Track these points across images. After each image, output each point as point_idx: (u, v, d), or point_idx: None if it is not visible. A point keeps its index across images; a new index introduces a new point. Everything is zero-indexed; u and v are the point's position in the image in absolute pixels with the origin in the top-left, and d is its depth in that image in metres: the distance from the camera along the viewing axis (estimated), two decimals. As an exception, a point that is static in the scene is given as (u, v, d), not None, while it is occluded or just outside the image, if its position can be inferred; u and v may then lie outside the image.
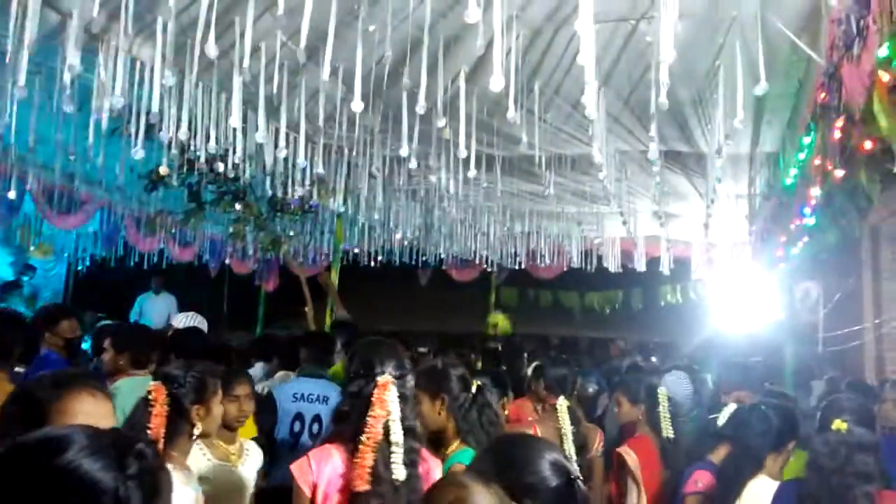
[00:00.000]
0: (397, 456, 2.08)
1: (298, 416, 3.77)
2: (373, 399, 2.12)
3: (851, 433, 2.31)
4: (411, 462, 2.12)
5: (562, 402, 3.33)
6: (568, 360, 4.12)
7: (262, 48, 3.39)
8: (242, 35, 2.96)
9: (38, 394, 1.54)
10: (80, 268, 10.13)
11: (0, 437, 1.42)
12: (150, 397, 2.18)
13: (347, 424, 2.18)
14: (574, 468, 1.55)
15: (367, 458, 2.06)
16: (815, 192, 3.43)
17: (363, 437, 2.07)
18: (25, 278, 9.34)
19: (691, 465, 2.98)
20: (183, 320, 5.19)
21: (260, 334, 8.93)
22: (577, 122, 4.52)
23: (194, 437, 2.33)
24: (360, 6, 2.77)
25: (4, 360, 3.15)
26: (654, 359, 7.82)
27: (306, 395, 3.85)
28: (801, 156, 3.52)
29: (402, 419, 2.13)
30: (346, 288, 6.61)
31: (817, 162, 3.16)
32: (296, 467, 2.16)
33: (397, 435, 2.10)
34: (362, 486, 2.04)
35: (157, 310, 9.00)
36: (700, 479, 2.86)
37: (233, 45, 3.10)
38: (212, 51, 2.74)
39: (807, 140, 3.34)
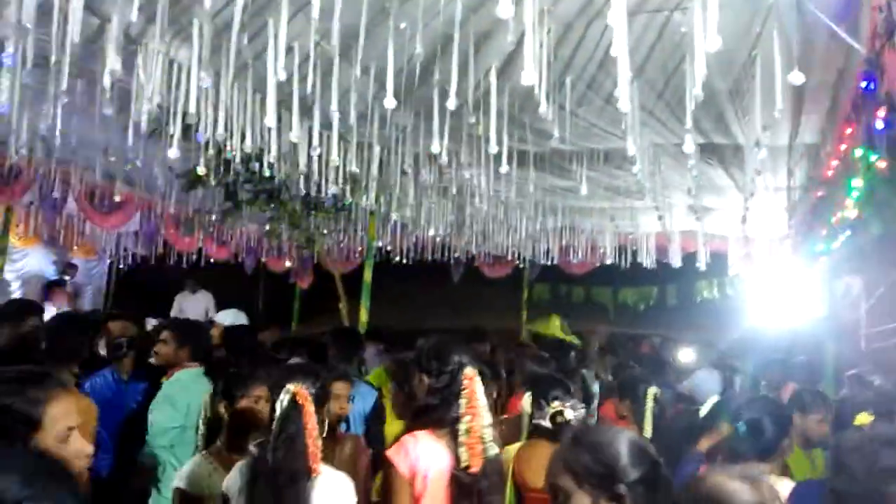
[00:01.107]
0: (489, 437, 2.33)
1: None
2: (466, 391, 2.34)
3: (875, 428, 2.24)
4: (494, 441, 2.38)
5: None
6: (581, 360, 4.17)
7: (295, 48, 3.43)
8: (276, 36, 3.00)
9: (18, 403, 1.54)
10: (121, 266, 10.38)
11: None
12: (297, 399, 2.21)
13: (437, 414, 2.36)
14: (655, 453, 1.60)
15: (478, 441, 2.29)
16: (858, 183, 3.34)
17: (468, 425, 2.29)
18: (67, 277, 9.60)
19: (685, 463, 2.93)
20: (226, 318, 5.32)
21: (294, 330, 9.07)
22: (610, 116, 4.48)
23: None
24: (391, 4, 2.78)
25: (70, 362, 3.35)
26: (681, 357, 7.69)
27: None
28: (842, 147, 3.43)
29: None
30: (379, 285, 6.65)
31: (859, 153, 3.08)
32: (393, 452, 2.31)
33: (488, 418, 2.35)
34: (478, 465, 2.27)
35: (195, 307, 9.19)
36: None
37: (266, 46, 3.14)
38: (246, 53, 2.79)
39: (848, 130, 3.26)
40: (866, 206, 3.55)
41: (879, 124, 2.63)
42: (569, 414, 2.86)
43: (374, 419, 3.78)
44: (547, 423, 2.88)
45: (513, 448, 2.96)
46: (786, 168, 5.42)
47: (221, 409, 2.80)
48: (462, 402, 2.33)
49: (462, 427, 2.30)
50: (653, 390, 3.54)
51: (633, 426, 3.51)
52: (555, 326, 9.67)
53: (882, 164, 2.84)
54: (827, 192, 4.18)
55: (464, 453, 2.28)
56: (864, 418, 2.31)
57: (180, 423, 3.31)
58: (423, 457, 2.28)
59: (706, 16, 2.19)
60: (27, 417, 1.53)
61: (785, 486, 2.55)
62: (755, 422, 2.64)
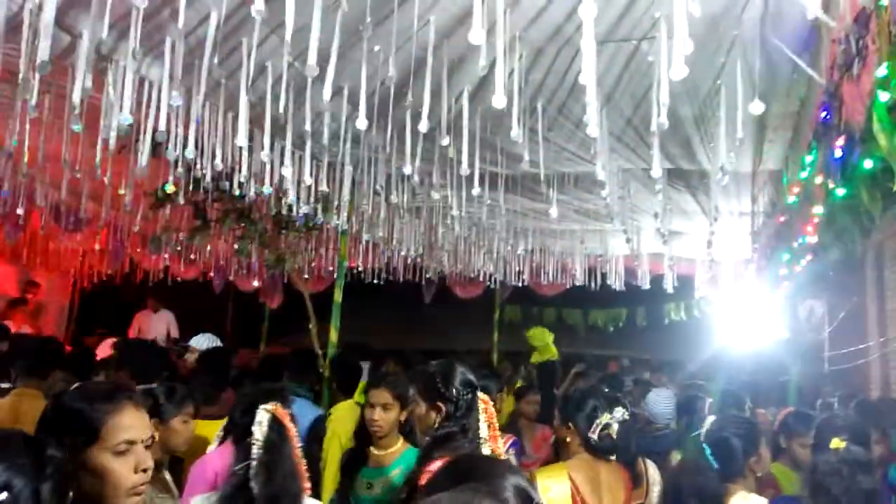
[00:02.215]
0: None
1: None
2: (484, 416, 2.30)
3: (849, 451, 2.31)
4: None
5: None
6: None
7: (268, 68, 3.43)
8: (249, 55, 3.01)
9: (93, 409, 1.56)
10: (85, 285, 10.17)
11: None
12: (278, 419, 2.17)
13: (457, 443, 2.25)
14: (537, 495, 1.51)
15: None
16: (818, 210, 3.44)
17: (492, 448, 2.25)
18: (30, 296, 9.37)
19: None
20: (202, 342, 5.25)
21: (262, 351, 8.95)
22: (580, 141, 4.56)
23: None
24: (364, 27, 2.81)
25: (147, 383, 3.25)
26: (647, 376, 7.76)
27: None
28: (804, 174, 3.53)
29: None
30: (350, 305, 6.61)
31: (819, 180, 3.17)
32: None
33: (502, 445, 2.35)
34: None
35: (156, 327, 9.03)
36: None
37: (240, 66, 3.14)
38: (219, 73, 2.78)
39: (809, 158, 3.36)
40: (826, 233, 3.64)
41: (838, 153, 2.71)
42: (615, 427, 2.78)
43: (312, 440, 3.64)
44: (595, 437, 2.75)
45: (554, 469, 2.79)
46: (750, 194, 5.55)
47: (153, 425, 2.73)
48: (483, 426, 2.29)
49: (486, 452, 2.25)
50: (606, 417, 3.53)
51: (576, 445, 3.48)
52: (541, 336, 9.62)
53: (841, 192, 2.93)
54: (789, 218, 4.29)
55: None
56: (837, 443, 2.38)
57: None
58: None
59: (672, 45, 2.25)
60: (86, 426, 1.53)
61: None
62: (721, 441, 2.67)
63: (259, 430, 2.13)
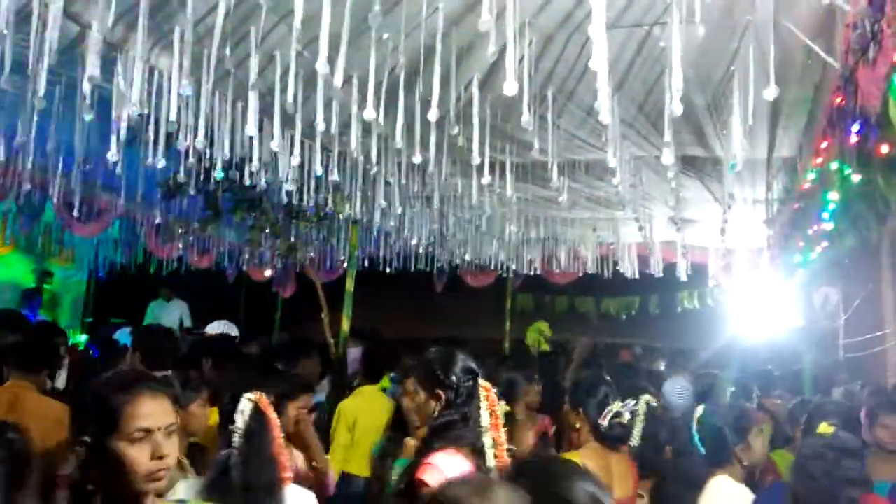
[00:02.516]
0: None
1: None
2: (486, 404, 2.24)
3: (837, 437, 2.30)
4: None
5: (501, 407, 3.33)
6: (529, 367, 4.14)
7: (277, 57, 3.42)
8: (258, 44, 3.00)
9: (111, 397, 1.59)
10: (100, 275, 10.26)
11: (76, 438, 1.54)
12: (260, 408, 2.18)
13: (457, 432, 2.22)
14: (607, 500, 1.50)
15: (504, 453, 2.19)
16: (833, 196, 3.40)
17: (495, 440, 2.19)
18: (47, 286, 9.48)
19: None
20: (216, 328, 5.29)
21: (277, 340, 9.00)
22: (591, 128, 4.52)
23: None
24: (373, 15, 2.79)
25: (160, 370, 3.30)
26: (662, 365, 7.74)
27: None
28: (819, 160, 3.49)
29: None
30: (362, 294, 6.62)
31: (834, 166, 3.13)
32: (427, 476, 2.14)
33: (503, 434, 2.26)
34: None
35: (170, 316, 9.11)
36: None
37: (249, 55, 3.14)
38: (228, 62, 2.78)
39: (823, 144, 3.31)
40: (842, 219, 3.60)
41: (853, 139, 2.67)
42: (626, 416, 2.79)
43: None
44: (605, 424, 2.75)
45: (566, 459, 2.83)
46: (764, 181, 5.49)
47: None
48: (484, 415, 2.23)
49: (487, 443, 2.20)
50: (646, 397, 3.52)
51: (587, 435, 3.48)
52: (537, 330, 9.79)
53: (856, 178, 2.89)
54: (804, 205, 4.24)
55: (494, 469, 2.16)
56: (825, 428, 2.38)
57: None
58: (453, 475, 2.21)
59: (684, 30, 2.22)
60: (105, 415, 1.55)
61: (740, 492, 2.60)
62: (709, 428, 2.72)
63: (241, 418, 2.14)
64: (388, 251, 8.89)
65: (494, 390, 2.30)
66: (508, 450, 2.22)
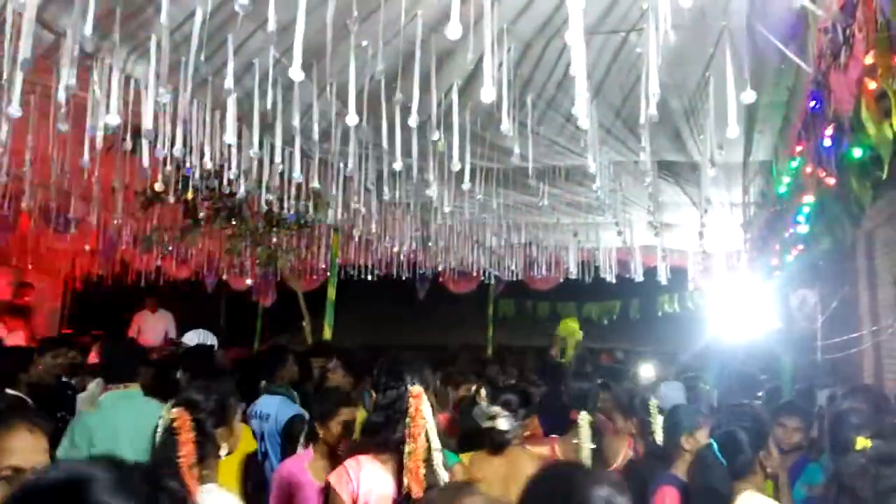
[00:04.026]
0: (438, 461, 2.19)
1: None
2: (410, 410, 2.21)
3: (876, 449, 2.24)
4: (445, 466, 2.24)
5: (583, 417, 3.30)
6: (590, 375, 4.08)
7: (255, 64, 3.41)
8: (236, 52, 2.98)
9: None
10: (76, 286, 10.12)
11: None
12: (174, 425, 2.14)
13: (382, 435, 2.25)
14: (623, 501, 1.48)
15: (420, 465, 2.16)
16: (808, 199, 3.44)
17: (412, 447, 2.17)
18: (28, 298, 9.32)
19: (656, 479, 2.92)
20: (193, 338, 5.22)
21: (258, 349, 8.93)
22: (570, 134, 4.55)
23: (221, 457, 2.32)
24: (352, 22, 2.79)
25: (130, 381, 3.32)
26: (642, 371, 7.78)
27: (262, 413, 3.84)
28: (794, 164, 3.54)
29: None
30: (343, 302, 6.60)
31: (809, 170, 3.18)
32: (334, 477, 2.21)
33: (436, 441, 2.22)
34: (418, 492, 2.12)
35: (155, 327, 8.99)
36: (667, 497, 2.75)
37: (226, 62, 3.12)
38: (205, 70, 2.76)
39: (798, 148, 3.36)
40: (817, 222, 3.65)
41: (827, 142, 2.71)
42: (502, 424, 2.84)
43: (286, 437, 3.61)
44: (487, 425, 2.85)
45: (465, 456, 2.88)
46: (741, 184, 5.55)
47: None
48: (406, 421, 2.22)
49: (406, 450, 2.19)
50: (655, 402, 3.54)
51: (639, 440, 3.50)
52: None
53: (830, 181, 2.93)
54: (779, 209, 4.30)
55: (406, 478, 2.16)
56: (863, 442, 2.32)
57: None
58: (365, 482, 2.18)
59: (659, 37, 2.25)
60: None
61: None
62: (729, 435, 2.54)
63: (158, 432, 2.15)
64: (369, 258, 8.86)
65: (426, 399, 2.27)
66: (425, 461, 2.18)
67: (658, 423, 3.43)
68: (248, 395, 3.93)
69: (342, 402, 3.00)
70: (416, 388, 2.27)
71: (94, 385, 4.50)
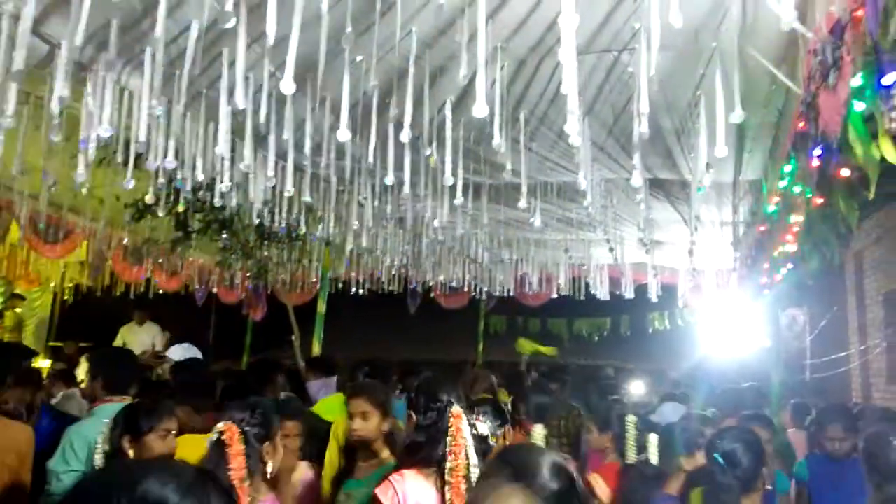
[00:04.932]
0: (475, 476, 2.29)
1: None
2: (451, 429, 2.35)
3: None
4: None
5: (538, 430, 3.38)
6: (549, 389, 4.14)
7: (250, 78, 3.42)
8: (230, 65, 2.99)
9: None
10: (66, 297, 10.04)
11: None
12: (224, 438, 2.14)
13: (424, 453, 2.38)
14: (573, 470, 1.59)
15: (461, 481, 2.28)
16: (797, 219, 3.47)
17: (453, 464, 2.29)
18: (17, 310, 9.22)
19: (653, 500, 2.95)
20: (178, 352, 5.17)
21: (246, 364, 8.88)
22: (562, 151, 4.58)
23: (268, 475, 2.32)
24: (345, 37, 2.81)
25: (120, 394, 3.28)
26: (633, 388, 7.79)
27: None
28: (783, 183, 3.57)
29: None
30: (334, 316, 6.58)
31: (797, 189, 3.21)
32: (381, 492, 2.28)
33: (474, 458, 2.34)
34: None
35: (142, 340, 8.91)
36: None
37: (220, 75, 3.13)
38: (200, 82, 2.77)
39: (787, 168, 3.39)
40: (805, 242, 3.68)
41: (815, 162, 2.74)
42: (482, 428, 2.87)
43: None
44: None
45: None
46: (731, 203, 5.60)
47: (125, 444, 2.58)
48: (448, 440, 2.34)
49: (447, 466, 2.30)
50: (632, 419, 3.55)
51: (615, 456, 3.51)
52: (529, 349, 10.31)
53: (818, 201, 2.96)
54: (769, 227, 4.33)
55: (448, 493, 2.27)
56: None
57: (76, 467, 2.90)
58: (411, 495, 2.26)
59: (651, 57, 2.27)
60: None
61: None
62: (731, 452, 2.62)
63: (208, 446, 2.15)
64: (360, 273, 8.85)
65: (465, 418, 2.40)
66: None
67: (633, 439, 3.43)
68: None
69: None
70: (456, 409, 2.41)
71: (64, 395, 4.45)
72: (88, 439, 2.91)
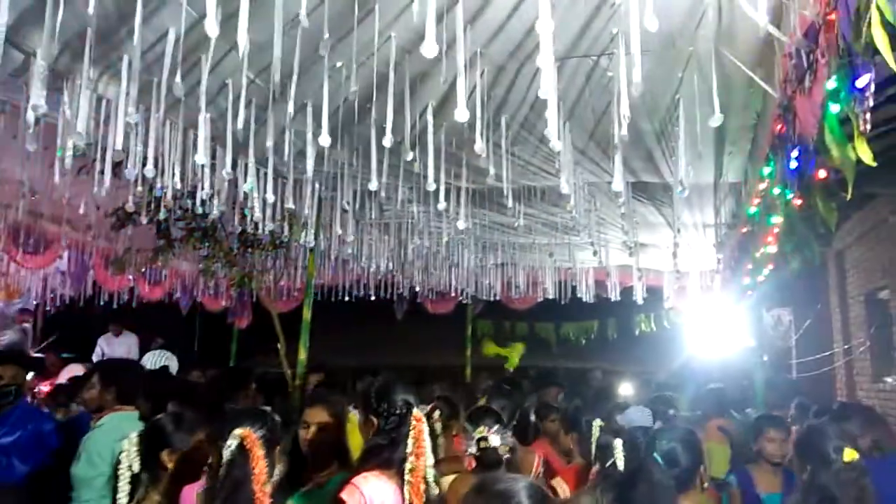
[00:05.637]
0: (431, 476, 2.38)
1: None
2: (413, 432, 2.39)
3: (860, 460, 2.33)
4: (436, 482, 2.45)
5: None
6: (511, 391, 4.28)
7: (229, 84, 3.40)
8: (209, 72, 2.97)
9: None
10: (47, 308, 9.92)
11: None
12: (245, 443, 2.15)
13: (385, 455, 2.43)
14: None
15: (421, 481, 2.34)
16: (777, 220, 3.50)
17: (413, 465, 2.34)
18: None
19: None
20: (152, 360, 5.13)
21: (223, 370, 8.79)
22: (544, 155, 4.59)
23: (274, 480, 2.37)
24: (324, 43, 2.80)
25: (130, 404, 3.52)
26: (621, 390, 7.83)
27: None
28: (762, 185, 3.59)
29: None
30: (320, 323, 6.54)
31: (777, 191, 3.23)
32: (346, 495, 2.31)
33: (430, 459, 2.40)
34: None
35: (119, 350, 8.85)
36: None
37: (199, 82, 3.11)
38: (179, 90, 2.75)
39: (766, 170, 3.42)
40: (786, 243, 3.71)
41: (793, 164, 2.76)
42: (493, 440, 2.87)
43: None
44: (474, 450, 2.91)
45: (447, 480, 2.95)
46: (713, 205, 5.63)
47: (164, 456, 2.69)
48: (409, 442, 2.38)
49: (407, 467, 2.34)
50: (598, 422, 3.56)
51: (580, 459, 3.52)
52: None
53: (798, 202, 2.98)
54: (750, 229, 4.36)
55: (408, 493, 2.32)
56: (852, 453, 2.41)
57: (104, 471, 3.12)
58: (376, 497, 2.31)
59: (630, 61, 2.28)
60: None
61: None
62: (669, 451, 2.70)
63: (227, 453, 2.13)
64: (346, 279, 8.82)
65: (426, 421, 2.45)
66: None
67: (595, 441, 3.44)
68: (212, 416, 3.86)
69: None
70: (417, 412, 2.45)
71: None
72: (110, 444, 3.14)
